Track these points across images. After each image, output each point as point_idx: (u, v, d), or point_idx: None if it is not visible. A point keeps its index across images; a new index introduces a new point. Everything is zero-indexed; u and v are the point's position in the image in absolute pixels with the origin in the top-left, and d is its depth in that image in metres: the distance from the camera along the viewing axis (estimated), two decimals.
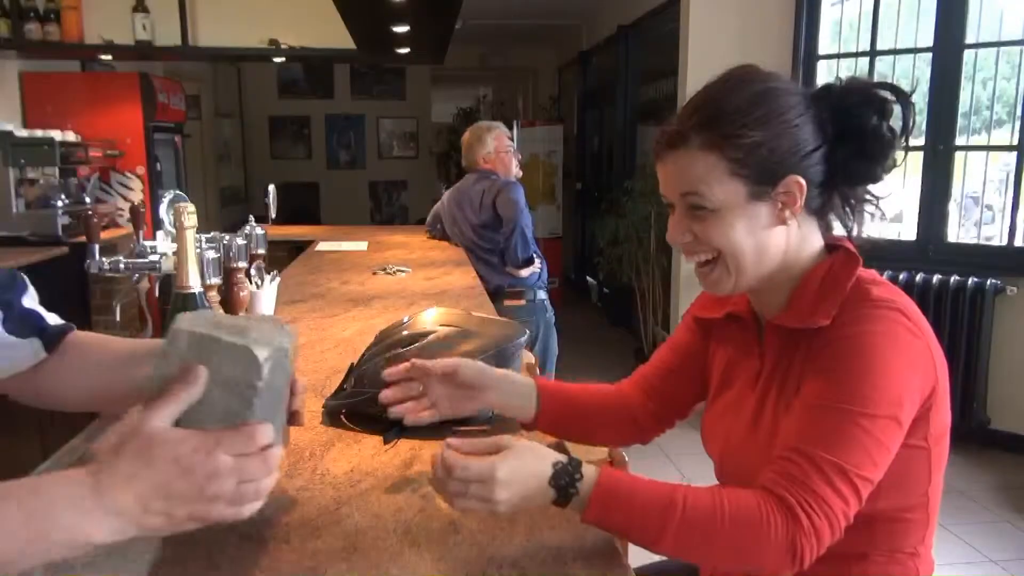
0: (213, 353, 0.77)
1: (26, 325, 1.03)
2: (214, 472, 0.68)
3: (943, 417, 0.98)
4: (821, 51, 4.12)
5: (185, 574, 0.83)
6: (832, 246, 1.04)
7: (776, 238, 0.99)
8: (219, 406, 0.77)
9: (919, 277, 3.62)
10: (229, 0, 3.97)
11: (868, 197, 1.04)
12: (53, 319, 1.08)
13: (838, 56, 4.12)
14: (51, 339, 1.04)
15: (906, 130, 1.00)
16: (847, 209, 1.04)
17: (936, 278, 3.58)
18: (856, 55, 4.03)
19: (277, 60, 4.38)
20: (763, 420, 1.02)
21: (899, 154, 1.01)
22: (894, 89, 1.00)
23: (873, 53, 3.92)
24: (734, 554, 0.87)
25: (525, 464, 0.88)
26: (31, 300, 1.06)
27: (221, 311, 1.73)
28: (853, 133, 0.98)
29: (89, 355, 1.08)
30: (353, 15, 3.35)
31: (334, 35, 3.86)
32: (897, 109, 0.99)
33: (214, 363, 0.77)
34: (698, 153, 0.96)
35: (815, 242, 1.03)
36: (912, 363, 0.92)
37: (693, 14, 4.19)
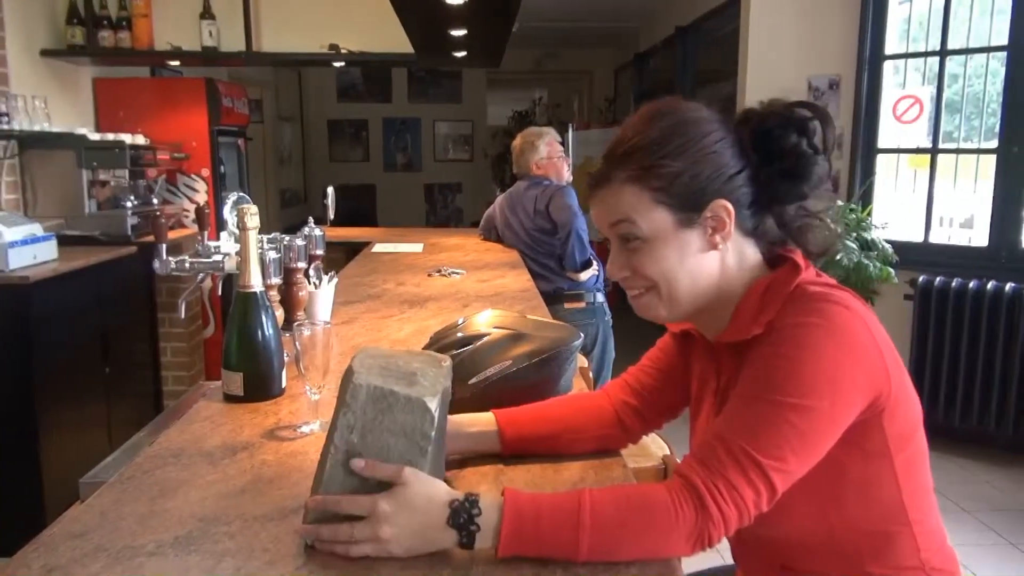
0: (390, 405, 0.90)
1: None
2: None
3: (904, 420, 0.96)
4: (888, 51, 4.00)
5: (243, 568, 0.85)
6: (780, 257, 1.04)
7: (709, 263, 1.00)
8: (395, 452, 0.90)
9: (990, 285, 3.48)
10: (291, 7, 4.06)
11: (804, 214, 1.04)
12: None
13: (906, 56, 4.00)
14: None
15: (827, 147, 1.01)
16: (785, 228, 1.04)
17: (1009, 286, 3.44)
18: (925, 55, 3.90)
19: (337, 65, 4.46)
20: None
21: (823, 172, 1.01)
22: (811, 107, 1.01)
23: (944, 52, 3.79)
24: (643, 542, 0.86)
25: (414, 500, 0.86)
26: None
27: (282, 311, 1.76)
28: (774, 153, 0.99)
29: None
30: (411, 20, 3.39)
31: (392, 40, 3.91)
32: (818, 129, 1.00)
33: (391, 414, 0.90)
34: (622, 187, 0.99)
35: (752, 261, 1.03)
36: (852, 355, 0.91)
37: (753, 14, 4.12)
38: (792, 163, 0.99)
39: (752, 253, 1.03)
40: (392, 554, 0.86)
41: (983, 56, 3.75)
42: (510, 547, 0.85)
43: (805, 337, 0.90)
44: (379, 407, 0.90)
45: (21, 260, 2.74)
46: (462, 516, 0.85)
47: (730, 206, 0.98)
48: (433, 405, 0.91)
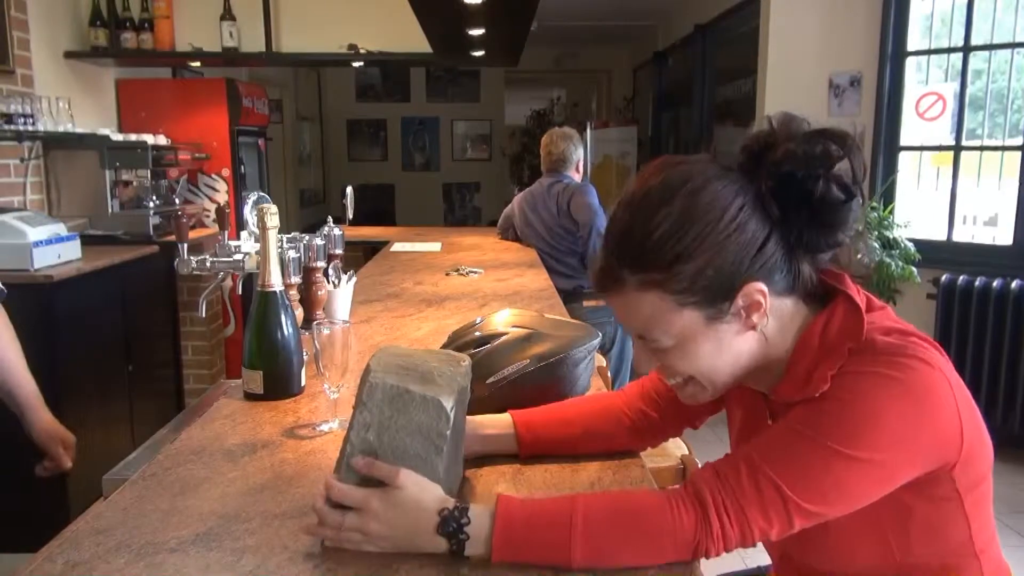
0: (406, 404, 0.90)
1: None
2: None
3: (977, 466, 0.89)
4: (910, 47, 3.95)
5: (263, 565, 0.85)
6: (831, 289, 0.92)
7: (749, 342, 0.91)
8: (411, 451, 0.91)
9: (1015, 284, 3.43)
10: (311, 8, 4.08)
11: (840, 246, 0.90)
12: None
13: (928, 52, 3.95)
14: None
15: (857, 181, 0.86)
16: (821, 268, 0.92)
17: None
18: (948, 51, 3.85)
19: (356, 65, 4.48)
20: None
21: (858, 211, 0.87)
22: (835, 137, 0.86)
23: (967, 48, 3.74)
24: (637, 548, 0.84)
25: (405, 503, 0.87)
26: None
27: (301, 310, 1.77)
28: (801, 203, 0.86)
29: None
30: (430, 19, 3.40)
31: (411, 39, 3.92)
32: (846, 165, 0.87)
33: (407, 413, 0.90)
34: (638, 295, 0.88)
35: (796, 313, 0.92)
36: (927, 419, 0.82)
37: (774, 11, 4.08)
38: (823, 213, 0.86)
39: (793, 306, 0.92)
40: (380, 548, 0.88)
41: (1007, 52, 3.69)
42: (503, 554, 0.85)
43: (875, 387, 0.82)
44: (395, 406, 0.90)
45: (45, 260, 2.78)
46: (451, 525, 0.86)
47: (763, 286, 0.86)
48: (449, 404, 0.91)
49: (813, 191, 0.85)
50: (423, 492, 0.88)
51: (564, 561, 0.84)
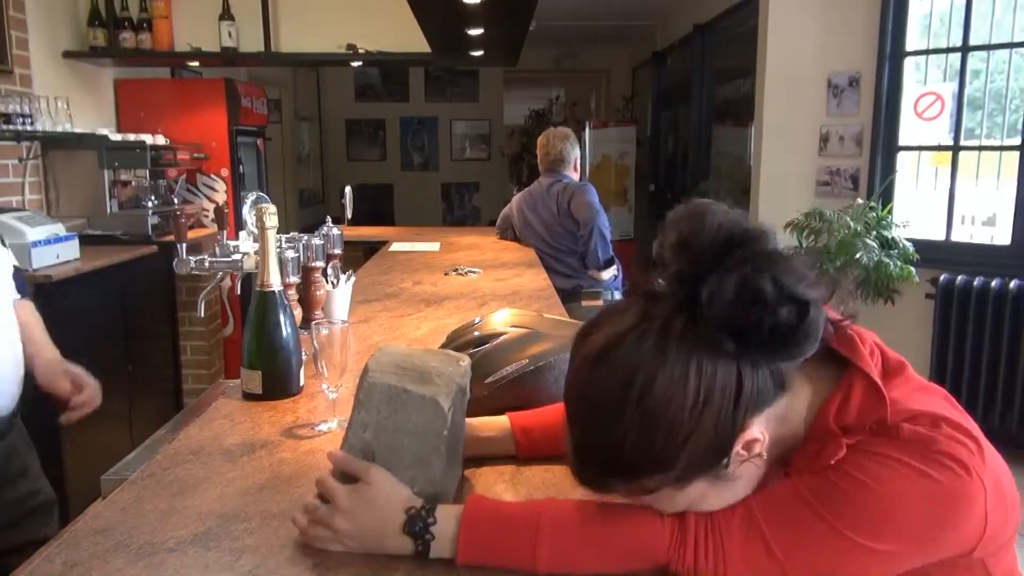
0: (404, 403, 0.90)
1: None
2: None
3: (999, 539, 0.80)
4: (909, 47, 3.95)
5: (262, 565, 0.85)
6: (840, 358, 0.82)
7: (754, 468, 0.82)
8: (409, 451, 0.90)
9: (1013, 284, 3.43)
10: (309, 8, 4.08)
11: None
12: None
13: (927, 52, 3.95)
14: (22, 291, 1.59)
15: (793, 286, 0.74)
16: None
17: None
18: (947, 51, 3.85)
19: (355, 64, 4.48)
20: None
21: (818, 318, 0.75)
22: (752, 257, 0.75)
23: (965, 49, 3.74)
24: (604, 556, 0.82)
25: (374, 501, 0.87)
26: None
27: (300, 310, 1.77)
28: (754, 341, 0.75)
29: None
30: (429, 19, 3.40)
31: (410, 39, 3.92)
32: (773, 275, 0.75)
33: (404, 412, 0.90)
34: (631, 491, 0.82)
35: (801, 396, 0.83)
36: (944, 523, 0.75)
37: (772, 11, 4.09)
38: (781, 341, 0.75)
39: (789, 397, 0.82)
40: (346, 547, 0.88)
41: (1006, 52, 3.69)
42: (468, 555, 0.84)
43: (900, 477, 0.74)
44: (393, 406, 0.90)
45: (44, 259, 2.78)
46: (417, 524, 0.85)
47: (755, 431, 0.78)
48: (446, 404, 0.91)
49: (759, 330, 0.74)
50: (393, 490, 0.89)
51: (527, 566, 0.82)
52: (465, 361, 1.01)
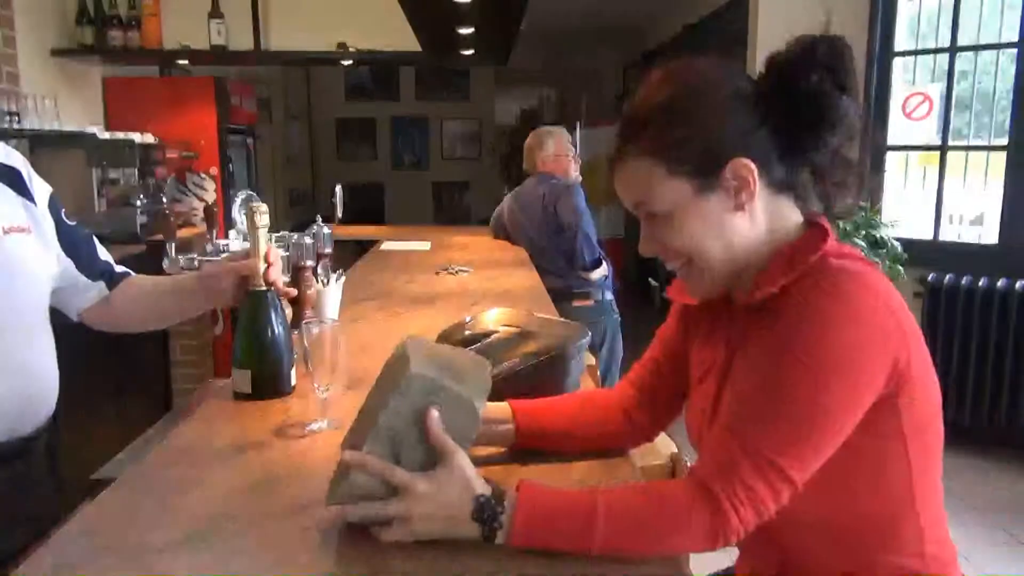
0: (440, 400, 0.91)
1: (96, 271, 1.41)
2: None
3: (923, 405, 0.92)
4: (897, 48, 3.97)
5: (253, 565, 0.85)
6: (810, 223, 0.98)
7: (739, 224, 0.94)
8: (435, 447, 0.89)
9: (1001, 283, 3.46)
10: (300, 6, 4.07)
11: (842, 165, 0.96)
12: (120, 268, 1.46)
13: (915, 53, 3.97)
14: (112, 281, 1.43)
15: (848, 84, 0.93)
16: (823, 181, 0.97)
17: (1020, 284, 3.42)
18: (935, 51, 3.87)
19: (345, 63, 4.47)
20: (719, 409, 0.98)
21: (851, 114, 0.93)
22: (830, 41, 0.96)
23: (953, 49, 3.76)
24: (658, 543, 0.87)
25: (453, 486, 0.88)
26: (104, 252, 1.45)
27: (290, 309, 1.76)
28: (796, 100, 0.92)
29: (142, 291, 1.46)
30: (419, 18, 3.40)
31: (400, 38, 3.92)
32: (841, 65, 0.95)
33: (439, 408, 0.90)
34: (635, 163, 0.96)
35: (789, 220, 0.97)
36: (871, 338, 0.86)
37: (761, 12, 4.10)
38: (814, 107, 0.92)
39: (789, 211, 0.97)
40: (416, 537, 0.88)
41: (993, 53, 3.72)
42: (522, 539, 0.86)
43: (821, 321, 0.85)
44: (430, 399, 0.91)
45: None
46: (486, 511, 0.87)
47: (751, 164, 0.92)
48: (480, 406, 0.93)
49: (806, 86, 0.91)
50: (470, 475, 0.90)
51: (583, 550, 0.86)
52: (488, 366, 1.02)
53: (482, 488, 0.89)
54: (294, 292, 1.44)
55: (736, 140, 0.93)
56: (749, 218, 0.95)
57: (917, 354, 0.90)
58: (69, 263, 1.38)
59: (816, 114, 0.92)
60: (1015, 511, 3.03)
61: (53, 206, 1.38)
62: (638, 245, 1.01)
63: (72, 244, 1.39)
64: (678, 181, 0.93)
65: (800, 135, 0.94)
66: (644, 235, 1.00)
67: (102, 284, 1.43)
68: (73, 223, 1.42)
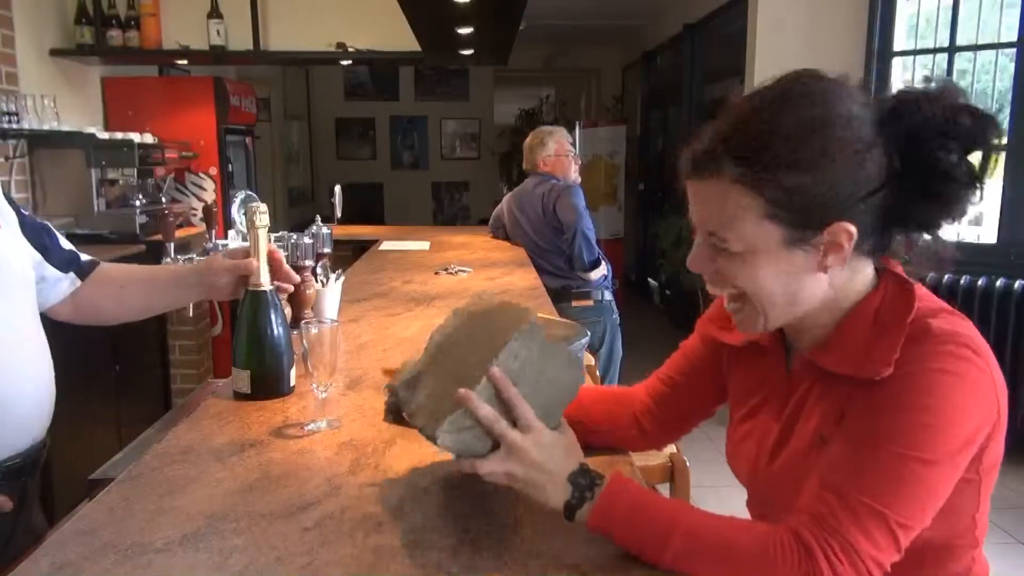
0: (555, 354, 0.94)
1: (64, 262, 1.33)
2: None
3: (997, 448, 0.90)
4: (896, 47, 3.98)
5: (251, 565, 0.85)
6: (878, 269, 0.92)
7: (813, 285, 0.87)
8: (540, 398, 0.92)
9: (999, 282, 3.46)
10: (299, 6, 4.07)
11: (935, 243, 0.90)
12: (85, 257, 1.39)
13: (914, 52, 3.98)
14: (83, 272, 1.36)
15: (983, 174, 0.85)
16: (913, 253, 0.92)
17: (1018, 284, 3.42)
18: (934, 51, 3.88)
19: (344, 63, 4.47)
20: (793, 447, 0.95)
21: (973, 203, 0.85)
22: (979, 117, 0.84)
23: (952, 49, 3.77)
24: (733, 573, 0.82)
25: (568, 447, 0.90)
26: (65, 242, 1.37)
27: (289, 309, 1.77)
28: (923, 169, 0.83)
29: (114, 283, 1.39)
30: (419, 18, 3.39)
31: (400, 38, 3.91)
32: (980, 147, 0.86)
33: (552, 362, 0.93)
34: (731, 188, 0.84)
35: (864, 278, 0.91)
36: (978, 403, 0.83)
37: (761, 11, 4.10)
38: (941, 187, 0.83)
39: (866, 271, 0.91)
40: (511, 479, 0.88)
41: (992, 53, 3.72)
42: (600, 522, 0.86)
43: (937, 388, 0.80)
44: (547, 352, 0.93)
45: None
46: (584, 479, 0.87)
47: (854, 230, 0.83)
48: (583, 368, 0.97)
49: (941, 163, 0.83)
50: (575, 440, 0.92)
51: (653, 562, 0.84)
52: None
53: (582, 457, 0.90)
54: (291, 288, 1.42)
55: (849, 201, 0.82)
56: (826, 279, 0.88)
57: (1003, 403, 0.87)
58: (37, 256, 1.29)
59: (942, 200, 0.85)
60: (1015, 511, 3.03)
61: (8, 196, 1.29)
62: (687, 258, 0.93)
63: (36, 235, 1.30)
64: (771, 226, 0.83)
65: (918, 209, 0.86)
66: (701, 255, 0.91)
67: (73, 275, 1.36)
68: (27, 213, 1.32)
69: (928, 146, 0.83)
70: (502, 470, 0.88)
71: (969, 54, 3.79)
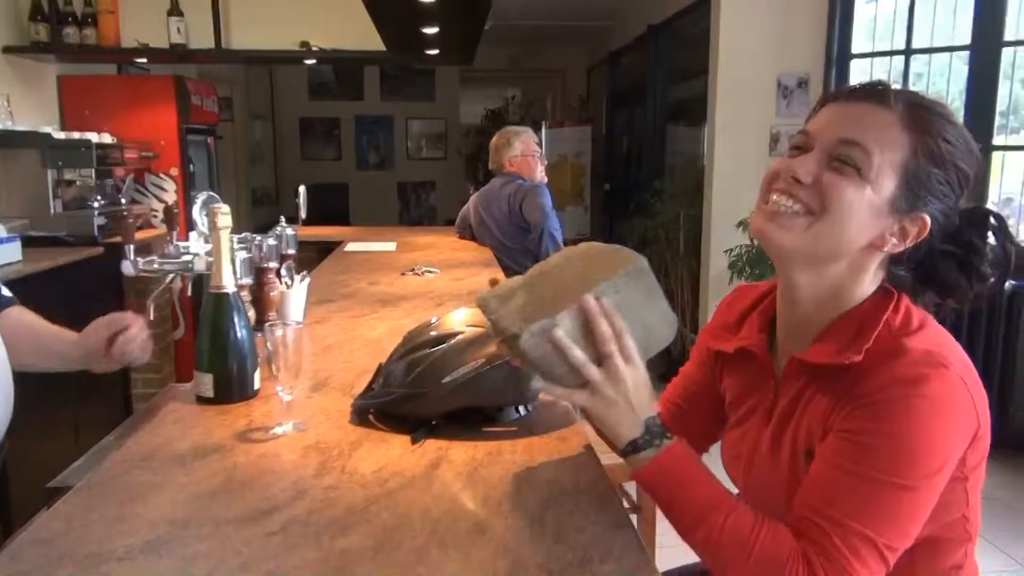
0: (653, 301, 0.96)
1: None
2: None
3: (982, 447, 0.95)
4: (855, 49, 4.06)
5: (216, 571, 0.84)
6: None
7: (859, 251, 0.95)
8: (631, 337, 0.92)
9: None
10: (261, 3, 4.02)
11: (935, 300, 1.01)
12: (6, 293, 1.39)
13: (872, 55, 4.06)
14: None
15: (1006, 263, 0.98)
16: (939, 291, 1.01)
17: (1008, 284, 3.43)
18: (891, 53, 3.96)
19: (308, 62, 4.43)
20: (781, 457, 1.00)
21: (977, 290, 0.98)
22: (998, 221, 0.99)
23: (908, 52, 3.85)
24: (747, 572, 0.88)
25: (647, 384, 0.93)
26: None
27: (253, 311, 1.74)
28: (965, 242, 0.97)
29: (26, 324, 1.43)
30: (383, 17, 3.37)
31: (364, 37, 3.89)
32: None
33: (649, 308, 0.95)
34: (893, 124, 0.92)
35: (871, 288, 0.98)
36: (957, 424, 0.88)
37: (724, 13, 4.15)
38: (973, 256, 0.97)
39: (874, 283, 0.99)
40: (592, 406, 0.92)
41: (946, 55, 3.81)
42: (650, 476, 0.92)
43: (915, 414, 0.86)
44: (647, 297, 0.95)
45: None
46: (656, 427, 0.92)
47: (929, 224, 0.93)
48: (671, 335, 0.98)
49: (982, 238, 0.97)
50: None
51: (682, 535, 0.91)
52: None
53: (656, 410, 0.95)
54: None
55: (943, 204, 0.94)
56: (869, 259, 0.96)
57: (983, 413, 0.92)
58: None
59: (972, 268, 0.97)
60: (1011, 511, 3.06)
61: None
62: (782, 160, 0.98)
63: None
64: (892, 177, 0.92)
65: (945, 272, 0.98)
66: (807, 163, 0.94)
67: None
68: None
69: (977, 225, 0.97)
70: (596, 384, 0.91)
71: (925, 56, 3.87)
